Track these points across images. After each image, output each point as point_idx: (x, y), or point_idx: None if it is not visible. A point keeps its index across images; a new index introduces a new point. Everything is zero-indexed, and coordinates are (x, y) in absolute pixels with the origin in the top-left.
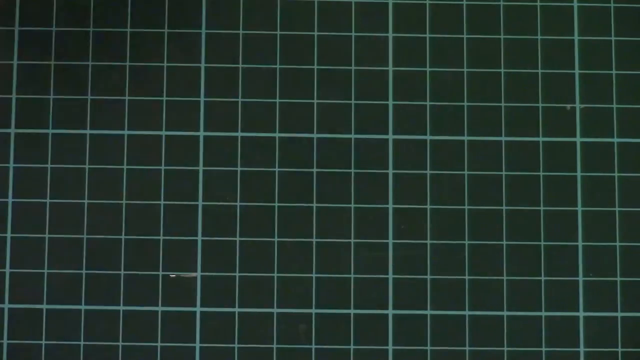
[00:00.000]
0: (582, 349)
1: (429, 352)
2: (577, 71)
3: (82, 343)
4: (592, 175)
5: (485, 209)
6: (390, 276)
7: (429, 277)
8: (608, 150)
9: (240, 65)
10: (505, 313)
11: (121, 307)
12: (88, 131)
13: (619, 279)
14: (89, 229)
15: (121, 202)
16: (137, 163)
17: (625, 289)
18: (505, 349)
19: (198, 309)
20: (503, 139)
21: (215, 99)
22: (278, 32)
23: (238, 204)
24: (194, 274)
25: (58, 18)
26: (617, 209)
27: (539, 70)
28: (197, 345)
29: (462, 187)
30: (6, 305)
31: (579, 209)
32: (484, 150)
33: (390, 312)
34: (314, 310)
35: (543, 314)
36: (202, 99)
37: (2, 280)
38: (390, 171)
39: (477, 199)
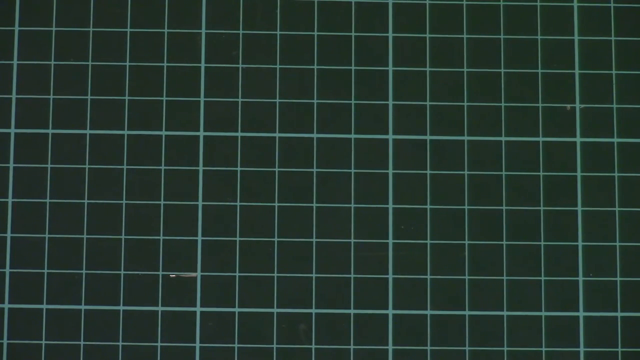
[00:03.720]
0: (582, 349)
1: (429, 352)
2: (577, 71)
3: (82, 343)
4: (592, 175)
5: (485, 209)
6: (390, 276)
7: (429, 277)
8: (608, 150)
9: (240, 65)
10: (505, 313)
11: (121, 307)
12: (88, 131)
13: (619, 279)
14: (89, 229)
15: (121, 202)
16: (137, 163)
17: (625, 289)
18: (505, 349)
19: (198, 309)
20: (503, 139)
21: (215, 99)
22: (278, 32)
23: (238, 204)
24: (194, 274)
25: (58, 18)
26: (617, 209)
27: (539, 70)
28: (197, 345)
29: (462, 187)
30: (6, 305)
31: (579, 209)
32: (484, 150)
33: (390, 312)
34: (314, 310)
35: (543, 314)
36: (202, 99)
37: (2, 280)
38: (390, 171)
39: (477, 199)
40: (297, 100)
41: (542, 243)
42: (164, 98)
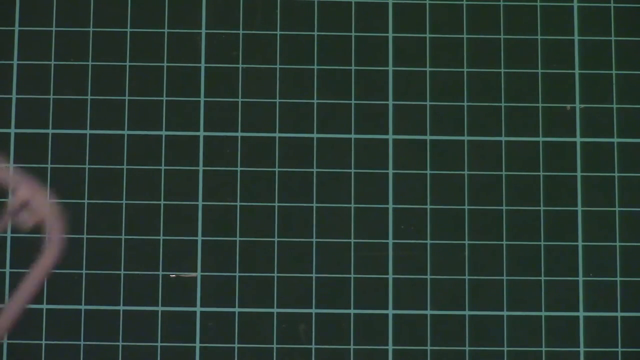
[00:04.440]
0: (582, 349)
1: (429, 352)
2: (577, 71)
3: (82, 343)
4: (592, 175)
5: (485, 209)
6: (390, 276)
7: (429, 277)
8: (608, 150)
9: (240, 65)
10: (505, 313)
11: (121, 307)
12: (88, 131)
13: (619, 279)
14: (89, 229)
15: (121, 202)
16: (137, 163)
17: (625, 289)
18: (505, 349)
19: (198, 309)
20: (503, 139)
21: (215, 99)
22: (278, 32)
23: (238, 204)
24: (194, 274)
25: (58, 18)
26: (617, 209)
27: (539, 70)
28: (197, 345)
29: (462, 187)
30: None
31: (579, 209)
32: (484, 150)
33: (390, 312)
34: (314, 310)
35: (543, 314)
36: (202, 99)
37: (2, 280)
38: (390, 171)
39: (477, 199)
40: (297, 100)
41: (542, 243)
42: (164, 98)
